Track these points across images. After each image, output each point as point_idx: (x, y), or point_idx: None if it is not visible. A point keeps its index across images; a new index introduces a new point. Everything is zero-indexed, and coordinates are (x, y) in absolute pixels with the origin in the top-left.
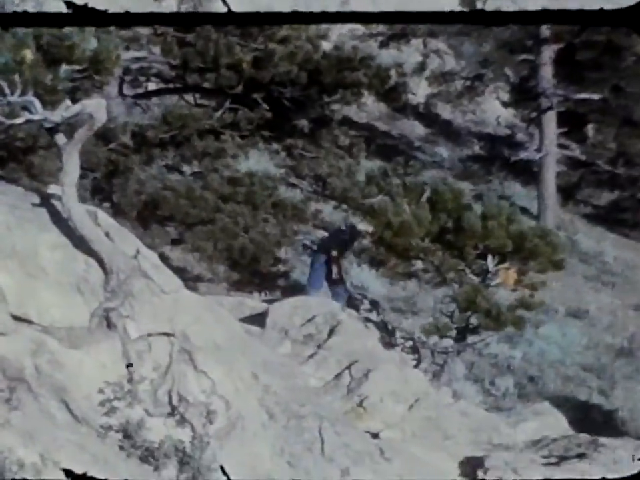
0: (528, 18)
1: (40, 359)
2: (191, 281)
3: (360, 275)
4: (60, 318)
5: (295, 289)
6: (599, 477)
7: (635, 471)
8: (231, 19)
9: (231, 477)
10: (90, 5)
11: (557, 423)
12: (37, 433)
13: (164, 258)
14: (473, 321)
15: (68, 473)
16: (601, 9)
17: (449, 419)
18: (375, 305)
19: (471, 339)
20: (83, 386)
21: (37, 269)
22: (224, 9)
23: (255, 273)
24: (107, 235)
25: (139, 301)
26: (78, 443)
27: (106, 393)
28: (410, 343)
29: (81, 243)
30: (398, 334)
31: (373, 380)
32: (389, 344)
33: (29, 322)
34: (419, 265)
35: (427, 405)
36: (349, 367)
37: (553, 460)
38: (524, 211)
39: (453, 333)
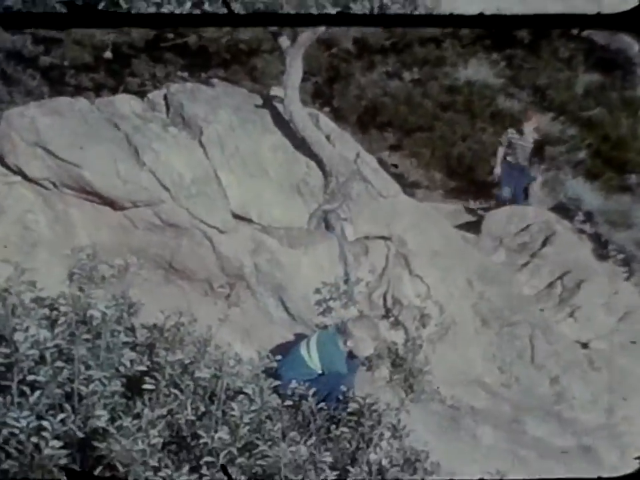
0: (525, 22)
1: (259, 258)
2: (408, 187)
3: (575, 186)
4: (279, 218)
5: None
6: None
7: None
8: (231, 19)
9: (440, 380)
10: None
11: None
12: (254, 330)
13: (382, 163)
14: None
15: (68, 472)
16: (599, 13)
17: None
18: (589, 216)
19: None
20: (300, 285)
21: (259, 169)
22: None
23: (471, 181)
24: (327, 138)
25: (358, 204)
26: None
27: (322, 293)
28: (622, 255)
29: (302, 145)
30: (610, 246)
31: (585, 291)
32: (601, 256)
33: (250, 221)
34: (633, 178)
35: (636, 318)
36: (561, 277)
37: None
38: None
39: None
